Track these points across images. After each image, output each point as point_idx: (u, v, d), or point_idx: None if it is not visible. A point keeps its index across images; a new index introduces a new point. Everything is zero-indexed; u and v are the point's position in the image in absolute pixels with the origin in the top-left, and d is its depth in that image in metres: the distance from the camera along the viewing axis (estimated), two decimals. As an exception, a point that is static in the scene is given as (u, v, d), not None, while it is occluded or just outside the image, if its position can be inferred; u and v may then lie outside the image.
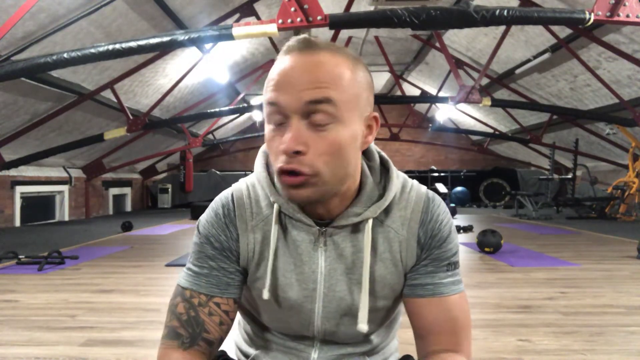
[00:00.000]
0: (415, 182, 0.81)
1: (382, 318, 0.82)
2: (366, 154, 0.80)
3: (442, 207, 0.79)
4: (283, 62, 0.68)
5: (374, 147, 0.81)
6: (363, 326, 0.75)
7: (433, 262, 0.77)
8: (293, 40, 0.69)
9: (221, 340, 0.79)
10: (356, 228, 0.76)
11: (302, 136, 0.66)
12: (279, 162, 0.68)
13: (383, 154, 0.81)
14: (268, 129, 0.70)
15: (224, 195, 0.81)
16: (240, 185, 0.81)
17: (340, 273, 0.76)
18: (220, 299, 0.77)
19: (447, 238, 0.77)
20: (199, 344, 0.75)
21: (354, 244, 0.76)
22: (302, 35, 0.69)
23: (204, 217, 0.80)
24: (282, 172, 0.67)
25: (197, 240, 0.79)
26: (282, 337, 0.84)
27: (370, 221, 0.74)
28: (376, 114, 0.74)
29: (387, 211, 0.77)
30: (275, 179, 0.76)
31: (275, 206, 0.75)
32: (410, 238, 0.76)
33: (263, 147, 0.82)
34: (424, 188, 0.80)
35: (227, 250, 0.78)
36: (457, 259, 0.79)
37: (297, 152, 0.66)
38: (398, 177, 0.79)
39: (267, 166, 0.79)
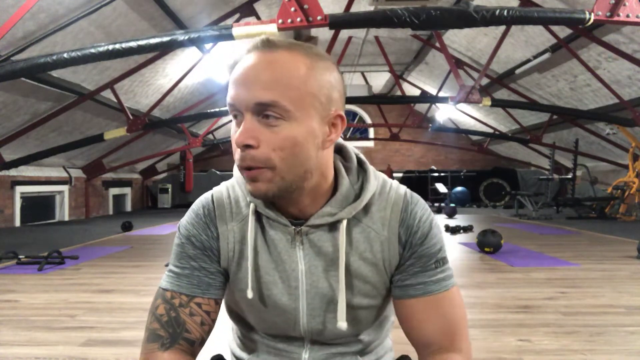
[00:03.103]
0: (395, 182, 0.81)
1: (370, 317, 0.82)
2: (343, 154, 0.80)
3: (420, 205, 0.79)
4: (244, 60, 0.69)
5: (352, 148, 0.81)
6: (342, 324, 0.75)
7: (419, 260, 0.76)
8: (256, 39, 0.70)
9: (203, 341, 0.79)
10: (333, 227, 0.76)
11: (253, 130, 0.67)
12: (235, 156, 0.70)
13: (361, 155, 0.81)
14: (232, 124, 0.72)
15: (205, 196, 0.82)
16: (220, 187, 0.83)
17: (322, 270, 0.77)
18: (201, 299, 0.77)
19: (428, 234, 0.76)
20: (179, 343, 0.75)
21: (333, 242, 0.76)
22: (264, 36, 0.70)
23: (184, 219, 0.81)
24: (241, 168, 0.69)
25: (178, 241, 0.79)
26: (271, 338, 0.83)
27: (345, 221, 0.74)
28: (342, 113, 0.73)
29: (366, 212, 0.77)
30: None
31: (252, 205, 0.76)
32: (392, 237, 0.76)
33: None
34: (403, 188, 0.80)
35: (208, 250, 0.78)
36: (443, 255, 0.78)
37: (248, 146, 0.67)
38: (376, 178, 0.79)
39: None
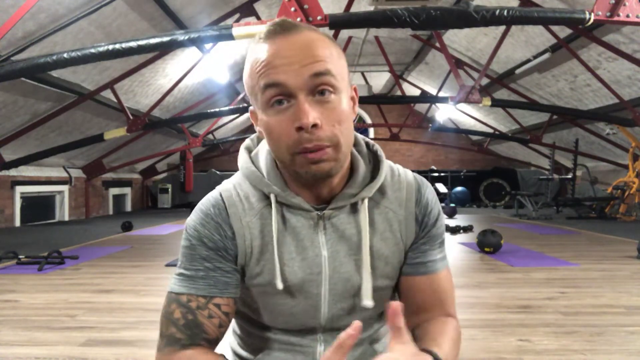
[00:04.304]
0: (400, 166, 0.85)
1: (386, 298, 0.83)
2: None
3: (430, 188, 0.84)
4: (270, 46, 0.68)
5: (358, 134, 0.83)
6: (368, 302, 0.76)
7: (429, 240, 0.81)
8: (271, 25, 0.69)
9: (217, 341, 0.78)
10: (353, 209, 0.78)
11: (314, 109, 0.67)
12: (295, 143, 0.67)
13: (368, 139, 0.84)
14: (268, 115, 0.69)
15: (212, 196, 0.80)
16: (226, 186, 0.81)
17: (344, 254, 0.77)
18: (220, 299, 0.75)
19: (438, 215, 0.82)
20: (199, 344, 0.74)
21: (355, 225, 0.77)
22: (278, 19, 0.70)
23: (192, 220, 0.78)
24: (305, 151, 0.67)
25: (188, 244, 0.77)
26: (285, 333, 0.82)
27: (366, 201, 0.77)
28: (354, 85, 0.77)
29: (382, 193, 0.80)
30: (265, 171, 0.77)
31: (272, 197, 0.76)
32: (409, 217, 0.80)
33: (244, 145, 0.84)
34: (409, 171, 0.85)
35: (222, 250, 0.76)
36: (444, 237, 0.85)
37: (314, 126, 0.66)
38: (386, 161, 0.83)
39: (252, 162, 0.80)
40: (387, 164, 0.82)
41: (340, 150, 0.70)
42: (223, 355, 0.76)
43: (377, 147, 0.83)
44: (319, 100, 0.68)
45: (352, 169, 0.78)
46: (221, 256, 0.76)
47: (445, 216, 8.11)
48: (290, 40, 0.67)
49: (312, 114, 0.66)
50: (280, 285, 0.75)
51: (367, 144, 0.83)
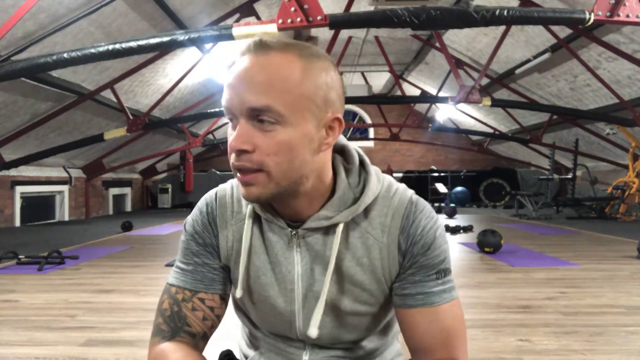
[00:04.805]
0: (402, 186, 0.78)
1: (370, 324, 0.80)
2: (345, 155, 0.78)
3: (425, 212, 0.75)
4: (238, 63, 0.68)
5: (354, 149, 0.79)
6: (313, 330, 0.73)
7: (420, 270, 0.74)
8: (249, 40, 0.69)
9: (205, 336, 0.79)
10: (330, 230, 0.74)
11: (248, 135, 0.66)
12: (230, 159, 0.69)
13: (364, 156, 0.79)
14: (229, 126, 0.72)
15: (209, 194, 0.83)
16: (225, 185, 0.83)
17: (319, 273, 0.75)
18: (205, 294, 0.78)
19: (431, 244, 0.73)
20: (181, 336, 0.77)
21: (330, 246, 0.74)
22: (258, 37, 0.69)
23: (190, 216, 0.83)
24: (233, 169, 0.69)
25: (184, 238, 0.81)
26: (273, 337, 0.83)
27: (341, 225, 0.73)
28: (339, 115, 0.70)
29: (366, 215, 0.75)
30: None
31: (249, 207, 0.77)
32: (391, 245, 0.74)
33: None
34: (409, 192, 0.77)
35: (209, 247, 0.79)
36: (447, 266, 0.75)
37: (243, 151, 0.66)
38: (380, 181, 0.76)
39: None
40: (379, 185, 0.76)
41: (272, 180, 0.67)
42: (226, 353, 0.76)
43: (369, 167, 0.77)
44: (259, 126, 0.66)
45: (334, 189, 0.74)
46: (209, 252, 0.79)
47: (445, 216, 8.21)
48: (251, 63, 0.66)
49: (241, 139, 0.66)
50: (239, 294, 0.77)
51: (361, 162, 0.78)
